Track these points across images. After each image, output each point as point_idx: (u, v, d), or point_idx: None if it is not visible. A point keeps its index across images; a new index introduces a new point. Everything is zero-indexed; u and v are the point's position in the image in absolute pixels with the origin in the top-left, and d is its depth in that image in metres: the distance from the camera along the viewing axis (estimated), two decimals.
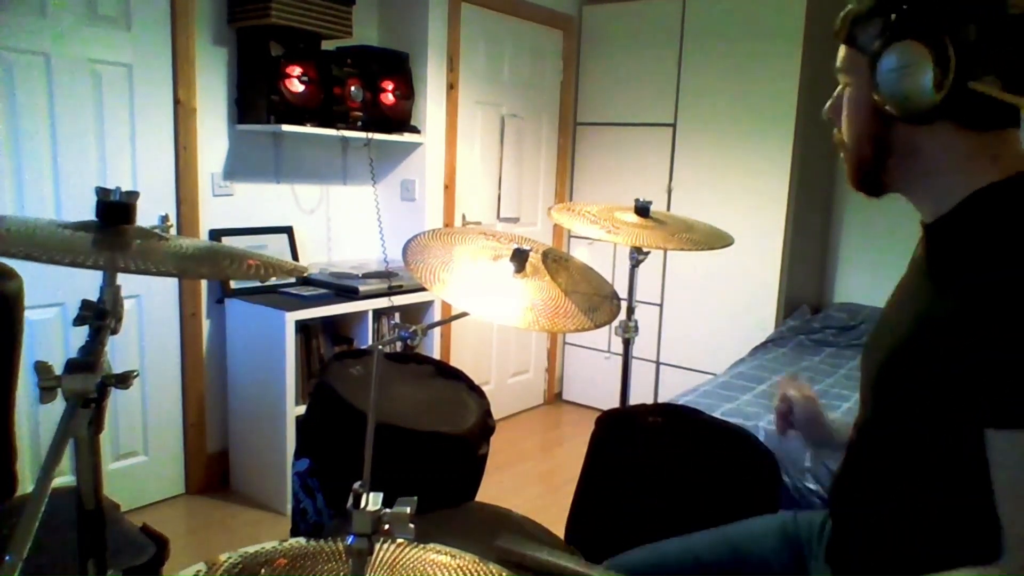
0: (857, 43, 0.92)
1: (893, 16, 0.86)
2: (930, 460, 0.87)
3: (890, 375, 0.92)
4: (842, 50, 0.95)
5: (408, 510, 0.74)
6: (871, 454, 0.98)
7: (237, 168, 3.02)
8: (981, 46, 0.82)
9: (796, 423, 1.24)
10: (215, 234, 2.95)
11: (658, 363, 4.03)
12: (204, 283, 2.96)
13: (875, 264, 3.88)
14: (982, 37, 0.82)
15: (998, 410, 0.78)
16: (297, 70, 2.88)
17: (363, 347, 3.05)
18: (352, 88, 3.07)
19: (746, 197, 3.65)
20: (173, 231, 2.80)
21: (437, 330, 3.51)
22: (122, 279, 0.95)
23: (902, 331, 0.91)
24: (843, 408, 2.64)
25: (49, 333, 2.54)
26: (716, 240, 1.91)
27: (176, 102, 2.78)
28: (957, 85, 0.83)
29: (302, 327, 2.89)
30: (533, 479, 3.39)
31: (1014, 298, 0.78)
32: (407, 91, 3.31)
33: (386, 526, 0.74)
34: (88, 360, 0.84)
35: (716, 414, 2.45)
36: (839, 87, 0.99)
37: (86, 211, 2.31)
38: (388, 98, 3.23)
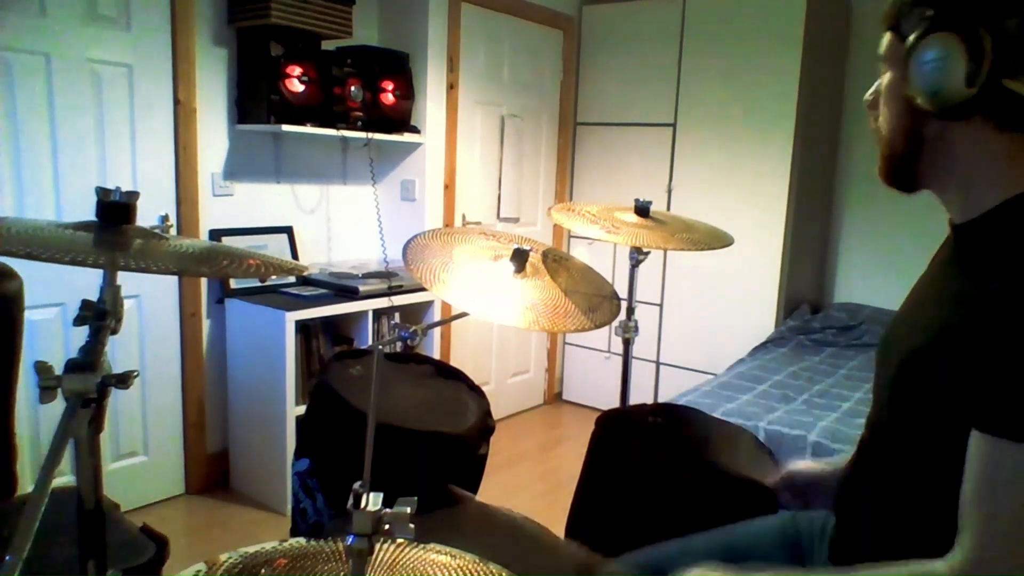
0: (900, 31, 0.89)
1: (935, 6, 0.84)
2: (942, 460, 0.86)
3: (910, 376, 0.90)
4: (886, 37, 0.92)
5: (408, 510, 0.74)
6: (884, 453, 0.97)
7: (237, 168, 3.02)
8: (1022, 42, 0.80)
9: (809, 493, 1.25)
10: (215, 234, 2.95)
11: (658, 363, 4.03)
12: (204, 283, 2.96)
13: (875, 264, 3.88)
14: (1023, 32, 0.79)
15: (986, 414, 0.78)
16: (297, 70, 2.88)
17: (363, 347, 3.05)
18: (352, 88, 3.07)
19: (746, 197, 3.65)
20: (173, 231, 2.80)
21: (437, 330, 3.51)
22: (122, 279, 0.95)
23: (924, 332, 0.89)
24: (843, 408, 2.64)
25: (49, 333, 2.54)
26: (716, 240, 1.91)
27: (176, 102, 2.78)
28: (992, 81, 0.80)
29: (302, 327, 2.89)
30: (533, 479, 3.39)
31: None
32: (407, 91, 3.31)
33: (386, 526, 0.74)
34: (88, 360, 0.84)
35: (716, 414, 2.45)
36: (882, 75, 0.97)
37: (86, 211, 2.30)
38: (388, 98, 3.23)
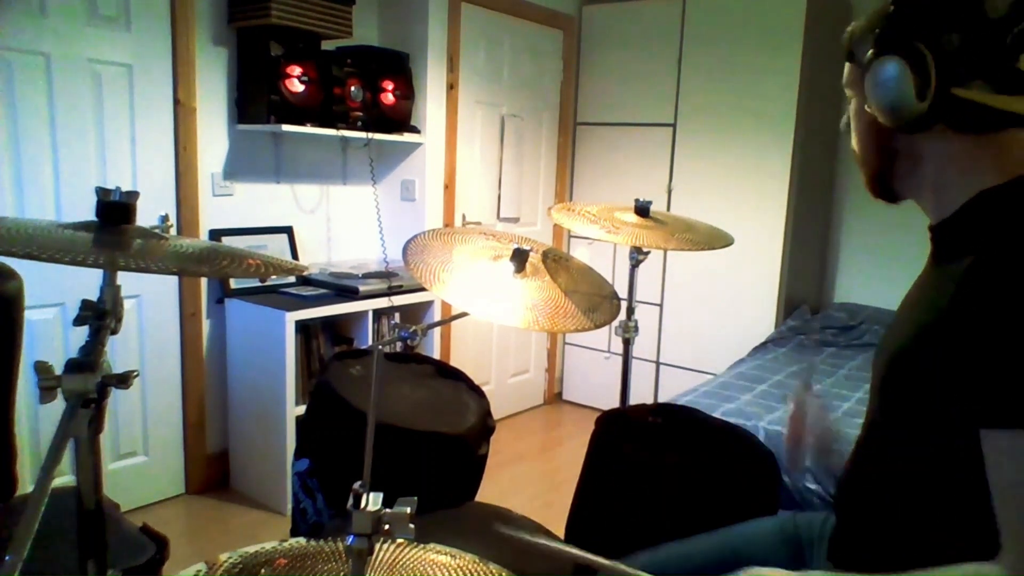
0: (855, 59, 0.97)
1: (877, 31, 0.90)
2: (933, 458, 0.87)
3: (895, 375, 0.92)
4: (847, 66, 1.00)
5: (408, 510, 0.74)
6: (878, 453, 0.98)
7: (237, 168, 3.02)
8: (965, 52, 0.83)
9: (811, 455, 1.24)
10: (215, 234, 2.95)
11: (658, 363, 4.03)
12: (204, 283, 2.96)
13: (875, 264, 3.88)
14: (965, 43, 0.83)
15: (990, 409, 0.79)
16: (297, 70, 2.88)
17: (363, 347, 3.05)
18: (352, 88, 3.07)
19: (746, 197, 3.65)
20: (173, 231, 2.79)
21: (437, 330, 3.51)
22: (122, 279, 0.95)
23: (908, 332, 0.92)
24: (843, 408, 2.64)
25: (49, 333, 2.54)
26: (716, 240, 1.91)
27: (176, 102, 2.78)
28: (942, 92, 0.84)
29: (302, 327, 2.89)
30: (533, 479, 3.39)
31: (1007, 295, 0.78)
32: (407, 91, 3.31)
33: (386, 526, 0.74)
34: (88, 360, 0.84)
35: (716, 414, 2.45)
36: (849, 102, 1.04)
37: (86, 211, 2.30)
38: (388, 98, 3.23)
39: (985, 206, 0.89)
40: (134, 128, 2.69)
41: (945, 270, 0.91)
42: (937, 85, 0.84)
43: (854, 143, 1.03)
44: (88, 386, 0.83)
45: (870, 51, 0.91)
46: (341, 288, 3.01)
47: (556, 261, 1.38)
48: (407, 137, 3.36)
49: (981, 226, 0.88)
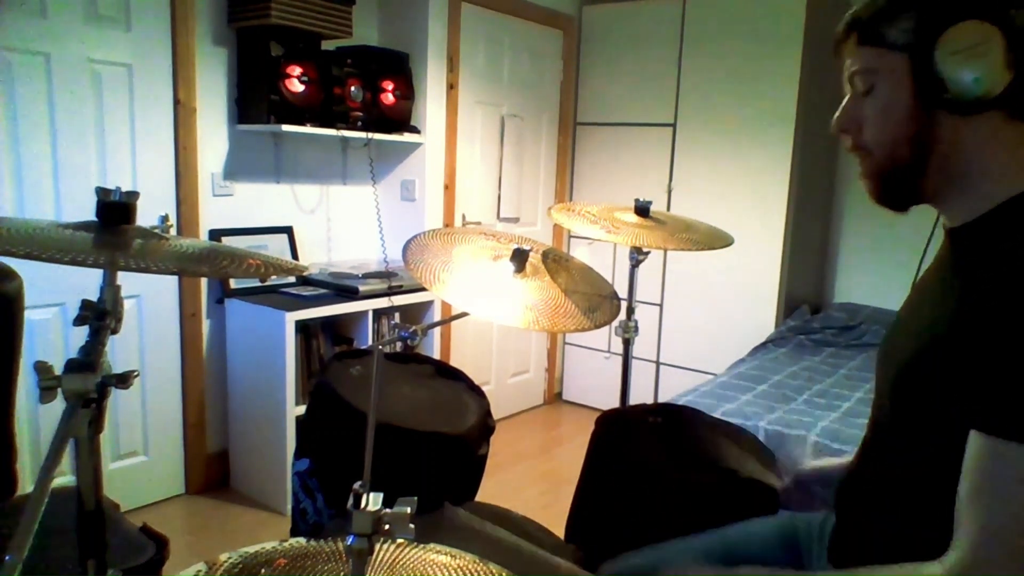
0: (887, 40, 0.88)
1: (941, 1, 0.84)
2: (943, 463, 0.86)
3: (909, 380, 0.90)
4: (860, 53, 0.91)
5: (408, 510, 0.74)
6: (885, 455, 0.97)
7: (237, 168, 3.02)
8: None
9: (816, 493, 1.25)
10: (215, 234, 2.95)
11: (658, 363, 4.03)
12: (204, 283, 2.96)
13: (875, 264, 3.88)
14: None
15: (986, 414, 0.78)
16: (297, 70, 2.88)
17: (363, 347, 3.05)
18: (352, 88, 3.07)
19: (746, 197, 3.65)
20: (173, 231, 2.79)
21: (437, 330, 3.51)
22: (122, 279, 0.95)
23: (921, 337, 0.90)
24: (843, 408, 2.64)
25: (49, 333, 2.54)
26: (716, 240, 1.91)
27: (176, 102, 2.78)
28: (1022, 67, 0.81)
29: (302, 327, 2.89)
30: (533, 479, 3.39)
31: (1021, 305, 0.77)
32: (407, 91, 3.31)
33: (386, 526, 0.74)
34: (88, 360, 0.84)
35: (716, 414, 2.45)
36: (847, 98, 0.95)
37: (86, 211, 2.30)
38: (388, 98, 3.23)
39: (1017, 212, 0.85)
40: (134, 128, 2.69)
41: (963, 276, 0.88)
42: (1018, 59, 0.81)
43: (870, 139, 0.92)
44: (88, 386, 0.83)
45: (932, 22, 0.83)
46: (341, 288, 3.01)
47: (556, 261, 1.38)
48: (407, 137, 3.37)
49: (1012, 234, 0.84)
